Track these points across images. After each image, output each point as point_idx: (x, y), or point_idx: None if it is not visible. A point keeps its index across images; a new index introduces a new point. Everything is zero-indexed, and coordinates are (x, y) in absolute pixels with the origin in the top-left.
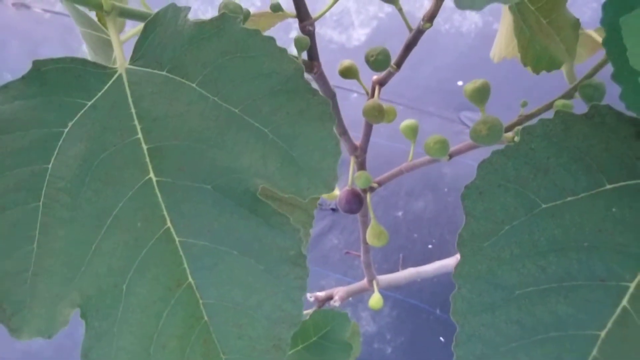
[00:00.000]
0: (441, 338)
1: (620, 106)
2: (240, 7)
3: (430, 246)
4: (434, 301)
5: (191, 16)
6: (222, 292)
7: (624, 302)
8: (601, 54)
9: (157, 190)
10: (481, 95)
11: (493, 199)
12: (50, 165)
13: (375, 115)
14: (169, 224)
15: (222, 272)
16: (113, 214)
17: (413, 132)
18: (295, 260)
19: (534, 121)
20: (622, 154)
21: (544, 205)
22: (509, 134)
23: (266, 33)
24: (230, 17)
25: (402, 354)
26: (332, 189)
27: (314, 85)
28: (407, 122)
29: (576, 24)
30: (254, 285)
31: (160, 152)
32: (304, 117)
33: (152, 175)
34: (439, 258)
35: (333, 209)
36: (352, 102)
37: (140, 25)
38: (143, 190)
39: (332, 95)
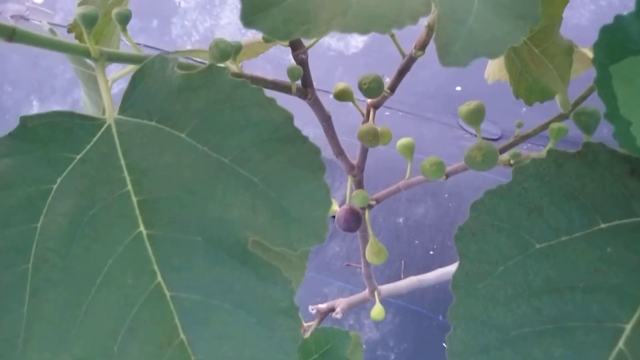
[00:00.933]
0: (444, 344)
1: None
2: (231, 45)
3: (431, 252)
4: (436, 307)
5: (190, 26)
6: (214, 347)
7: (620, 344)
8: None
9: (147, 244)
10: (475, 116)
11: (486, 239)
12: (39, 225)
13: (370, 139)
14: (159, 278)
15: (214, 327)
16: (103, 272)
17: (409, 150)
18: (288, 312)
19: (526, 146)
20: (616, 192)
21: (538, 246)
22: (505, 157)
23: (261, 56)
24: (219, 68)
25: None
26: (323, 240)
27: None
28: (403, 141)
29: (569, 50)
30: (246, 339)
31: (151, 205)
32: (294, 165)
33: (142, 228)
34: (441, 264)
35: (333, 216)
36: (351, 109)
37: (129, 67)
38: (133, 245)
39: (327, 118)
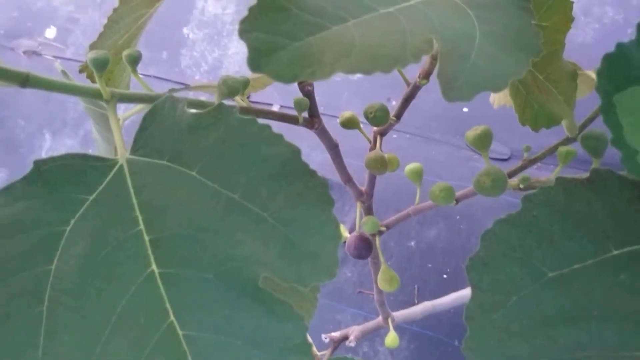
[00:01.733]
0: None
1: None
2: (238, 81)
3: (445, 276)
4: (451, 332)
5: (199, 57)
6: None
7: None
8: None
9: (159, 283)
10: (483, 141)
11: (498, 269)
12: (53, 267)
13: (378, 167)
14: (172, 317)
15: None
16: (117, 313)
17: (418, 175)
18: (301, 349)
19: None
20: (627, 218)
21: (550, 274)
22: (514, 181)
23: (269, 87)
24: (227, 107)
25: None
26: (334, 276)
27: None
28: (411, 167)
29: (573, 74)
30: None
31: (162, 243)
32: (303, 199)
33: (154, 267)
34: (455, 287)
35: (343, 243)
36: (358, 133)
37: (139, 106)
38: (146, 284)
39: (334, 146)
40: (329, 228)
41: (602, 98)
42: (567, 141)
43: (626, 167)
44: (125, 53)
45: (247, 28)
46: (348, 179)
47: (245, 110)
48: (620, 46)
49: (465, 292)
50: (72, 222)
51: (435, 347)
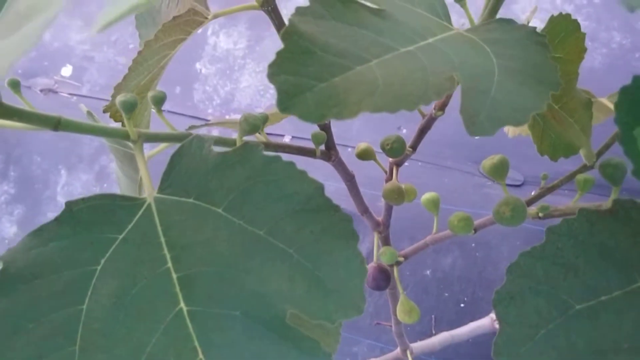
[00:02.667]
0: None
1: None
2: (259, 118)
3: (462, 305)
4: None
5: (211, 91)
6: None
7: None
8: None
9: (188, 321)
10: (500, 170)
11: (525, 303)
12: (85, 306)
13: (395, 197)
14: (200, 355)
15: None
16: (146, 352)
17: (435, 205)
18: None
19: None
20: None
21: (577, 307)
22: (532, 209)
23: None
24: (252, 145)
25: None
26: (362, 312)
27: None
28: (427, 196)
29: (588, 104)
30: None
31: (190, 280)
32: (327, 235)
33: (182, 305)
34: (473, 316)
35: None
36: (373, 163)
37: (162, 145)
38: (175, 322)
39: (350, 178)
40: (354, 263)
41: (622, 130)
42: (584, 168)
43: None
44: (150, 95)
45: (276, 71)
46: (365, 210)
47: (264, 145)
48: (636, 79)
49: (484, 322)
50: (103, 261)
51: None
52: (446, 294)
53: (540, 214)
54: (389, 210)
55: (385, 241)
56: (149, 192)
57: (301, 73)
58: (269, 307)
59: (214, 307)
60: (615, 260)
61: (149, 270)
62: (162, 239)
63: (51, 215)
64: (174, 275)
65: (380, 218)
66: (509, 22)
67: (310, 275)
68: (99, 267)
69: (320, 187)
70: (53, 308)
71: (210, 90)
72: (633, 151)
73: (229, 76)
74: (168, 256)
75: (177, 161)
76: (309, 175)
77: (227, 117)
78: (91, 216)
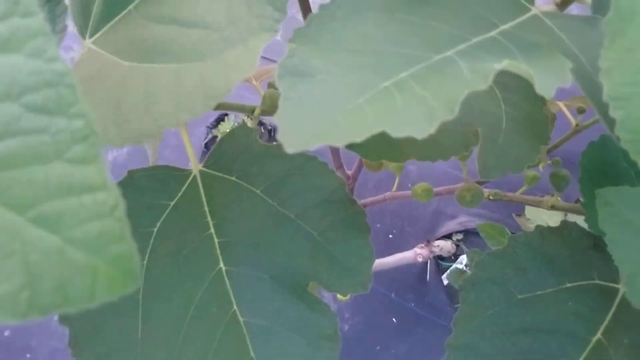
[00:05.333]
0: (394, 319)
1: None
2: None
3: (390, 236)
4: (390, 286)
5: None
6: None
7: None
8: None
9: (226, 278)
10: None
11: (482, 289)
12: (145, 263)
13: (375, 168)
14: (235, 307)
15: (274, 346)
16: (195, 302)
17: (399, 168)
18: (331, 337)
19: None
20: (580, 261)
21: (519, 296)
22: (486, 192)
23: None
24: None
25: (358, 331)
26: (367, 290)
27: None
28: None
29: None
30: (298, 356)
31: (229, 246)
32: (345, 224)
33: (222, 265)
34: (399, 247)
35: None
36: None
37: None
38: (216, 279)
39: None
40: (366, 251)
41: (583, 186)
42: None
43: (588, 224)
44: None
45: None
46: (339, 165)
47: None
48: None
49: (408, 254)
50: (158, 224)
51: (374, 298)
52: (378, 225)
53: (491, 197)
54: (359, 167)
55: (351, 192)
56: (194, 165)
57: None
58: (293, 275)
59: (247, 269)
60: (553, 267)
61: (195, 234)
62: (206, 208)
63: None
64: (216, 240)
65: (350, 172)
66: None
67: (329, 255)
68: (155, 229)
69: (343, 184)
70: None
71: None
72: (588, 203)
73: None
74: (211, 223)
75: (225, 143)
76: (335, 173)
77: None
78: (148, 183)
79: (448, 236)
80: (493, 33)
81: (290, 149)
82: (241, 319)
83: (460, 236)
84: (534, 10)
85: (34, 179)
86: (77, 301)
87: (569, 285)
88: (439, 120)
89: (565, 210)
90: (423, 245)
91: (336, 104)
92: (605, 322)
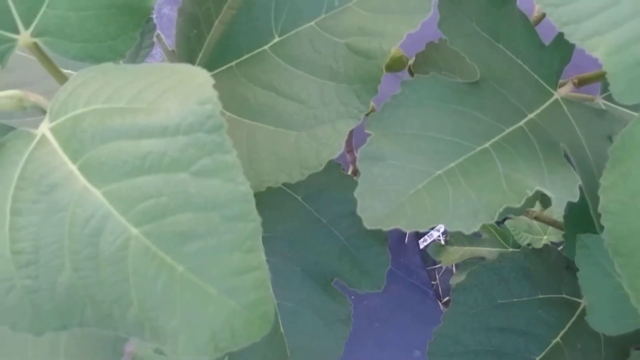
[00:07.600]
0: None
1: None
2: None
3: None
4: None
5: None
6: (298, 338)
7: None
8: None
9: None
10: None
11: (470, 293)
12: None
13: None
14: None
15: (300, 325)
16: None
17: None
18: (345, 322)
19: None
20: (554, 278)
21: (499, 301)
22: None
23: None
24: (336, 165)
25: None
26: (380, 289)
27: None
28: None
29: None
30: (316, 333)
31: (268, 240)
32: (368, 234)
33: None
34: None
35: None
36: None
37: None
38: None
39: None
40: (383, 258)
41: (566, 223)
42: None
43: (566, 251)
44: None
45: None
46: (350, 149)
47: None
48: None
49: None
50: None
51: None
52: None
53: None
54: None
55: (354, 173)
56: None
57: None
58: (321, 271)
59: (283, 261)
60: (531, 280)
61: None
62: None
63: None
64: None
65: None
66: None
67: (354, 259)
68: None
69: None
70: None
71: None
72: (570, 245)
73: None
74: None
75: None
76: None
77: None
78: None
79: None
80: (521, 123)
81: (368, 225)
82: (275, 301)
83: None
84: (556, 95)
85: (224, 262)
86: None
87: (541, 296)
88: (481, 222)
89: (548, 224)
90: None
91: (402, 188)
92: (565, 329)
